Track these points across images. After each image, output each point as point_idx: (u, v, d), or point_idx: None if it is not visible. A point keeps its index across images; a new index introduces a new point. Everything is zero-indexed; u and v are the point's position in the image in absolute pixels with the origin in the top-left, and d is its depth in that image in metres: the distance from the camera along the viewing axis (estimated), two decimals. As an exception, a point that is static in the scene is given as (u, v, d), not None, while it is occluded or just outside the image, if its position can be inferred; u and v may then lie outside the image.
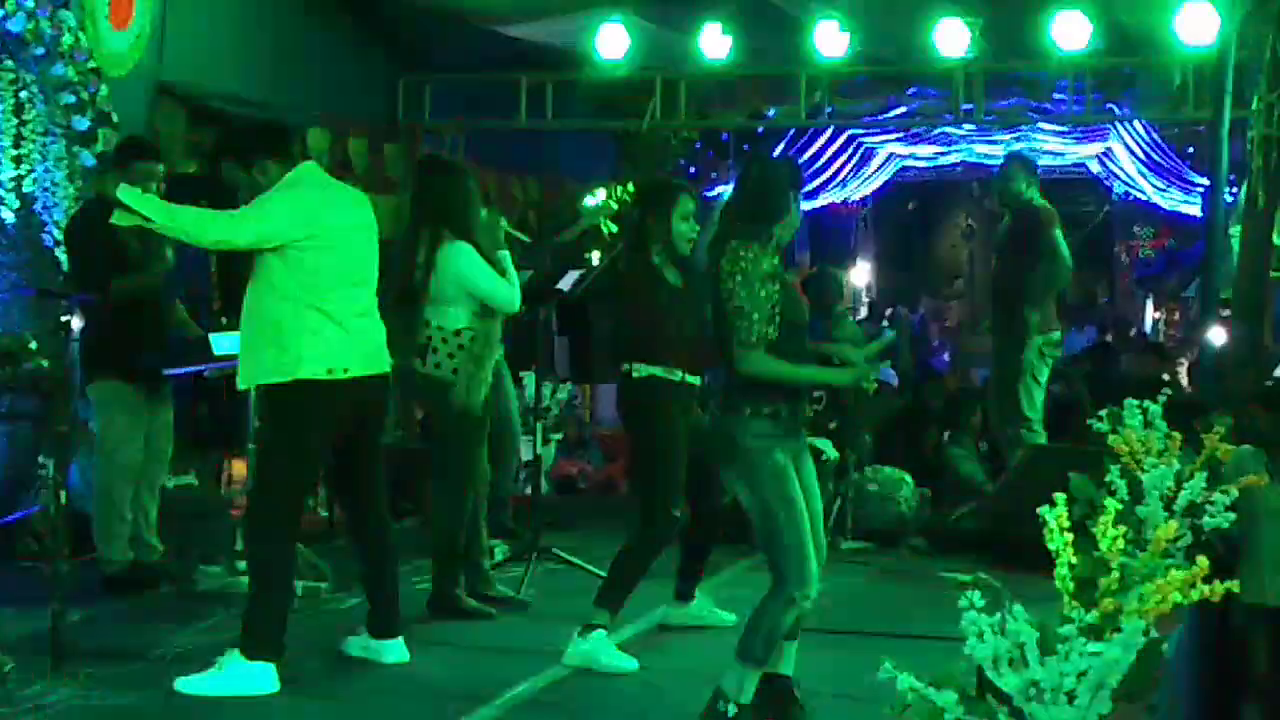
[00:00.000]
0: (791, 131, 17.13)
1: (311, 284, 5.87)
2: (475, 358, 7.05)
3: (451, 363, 7.00)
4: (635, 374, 6.61)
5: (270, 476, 6.05)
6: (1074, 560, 3.65)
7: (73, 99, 8.64)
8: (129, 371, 7.48)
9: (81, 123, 8.62)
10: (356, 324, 5.99)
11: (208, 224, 5.92)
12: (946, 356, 18.91)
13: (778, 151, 17.75)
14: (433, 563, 7.26)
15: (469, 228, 7.06)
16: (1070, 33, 11.28)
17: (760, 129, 16.36)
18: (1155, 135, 18.19)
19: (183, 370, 7.54)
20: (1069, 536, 3.66)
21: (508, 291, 7.07)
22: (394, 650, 6.25)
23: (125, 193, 5.84)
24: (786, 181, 5.27)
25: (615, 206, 14.61)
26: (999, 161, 20.43)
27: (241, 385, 6.08)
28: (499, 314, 7.17)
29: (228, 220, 5.93)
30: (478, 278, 6.97)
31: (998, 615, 3.53)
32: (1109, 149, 19.80)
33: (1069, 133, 18.30)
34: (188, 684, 5.70)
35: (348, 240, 6.02)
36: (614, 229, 14.44)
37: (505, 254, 7.20)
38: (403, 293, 6.97)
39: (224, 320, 8.01)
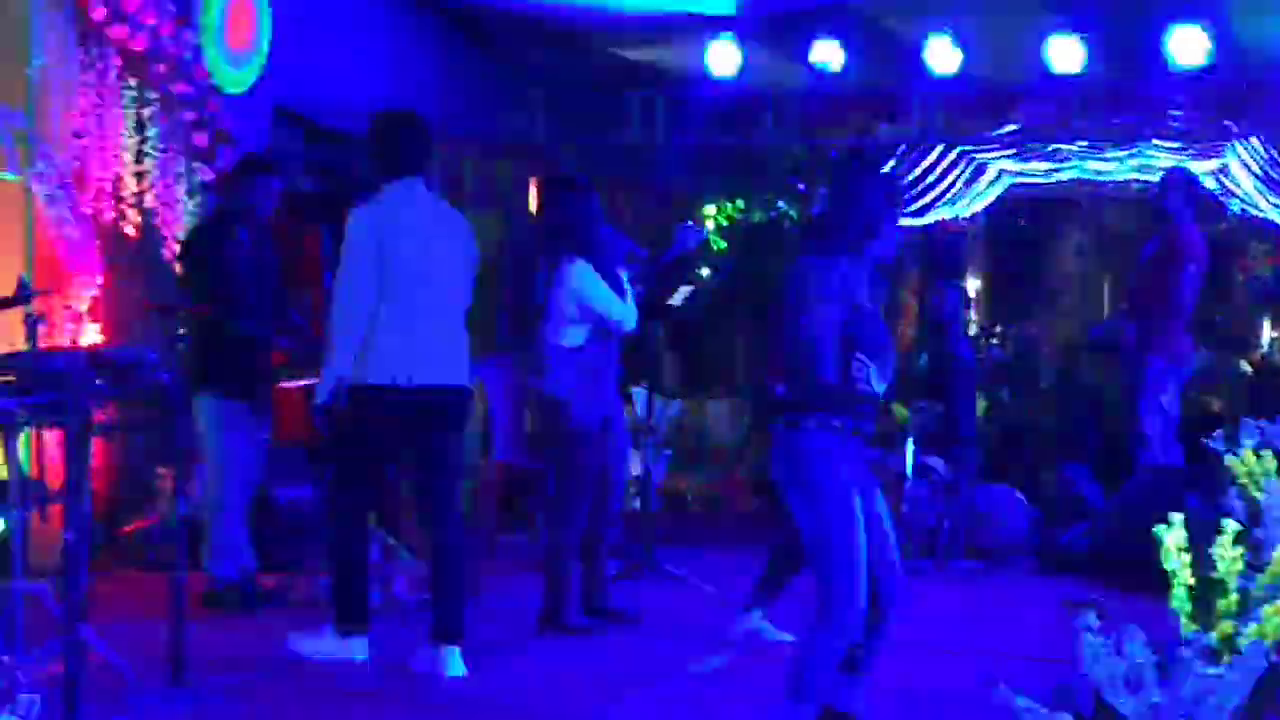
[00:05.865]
0: (902, 148, 17.04)
1: None
2: (592, 375, 7.08)
3: (568, 380, 7.04)
4: None
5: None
6: (1191, 582, 3.62)
7: (193, 116, 8.80)
8: (240, 386, 7.45)
9: (200, 140, 8.79)
10: None
11: None
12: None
13: (887, 168, 17.67)
14: (545, 579, 7.18)
15: (589, 245, 7.08)
16: (1187, 48, 11.14)
17: (871, 146, 16.29)
18: (1274, 152, 17.90)
19: (298, 383, 7.55)
20: (1186, 558, 3.63)
21: (624, 310, 7.09)
22: (450, 661, 6.20)
23: None
24: (877, 200, 4.91)
25: (725, 223, 14.65)
26: (1112, 178, 20.21)
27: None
28: (616, 332, 7.19)
29: None
30: (594, 296, 7.00)
31: (1113, 636, 3.51)
32: (1225, 165, 19.51)
33: (1184, 149, 18.04)
34: (297, 640, 6.41)
35: None
36: (724, 245, 14.47)
37: (624, 272, 7.23)
38: (523, 310, 7.02)
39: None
